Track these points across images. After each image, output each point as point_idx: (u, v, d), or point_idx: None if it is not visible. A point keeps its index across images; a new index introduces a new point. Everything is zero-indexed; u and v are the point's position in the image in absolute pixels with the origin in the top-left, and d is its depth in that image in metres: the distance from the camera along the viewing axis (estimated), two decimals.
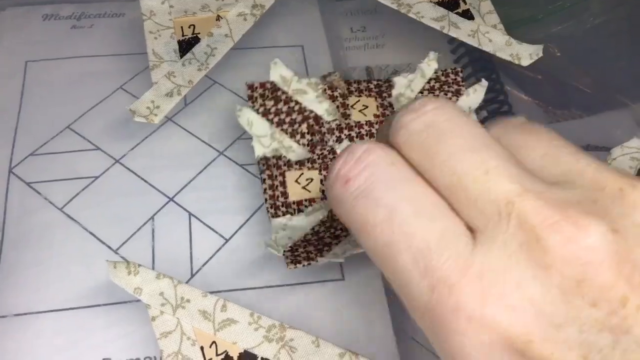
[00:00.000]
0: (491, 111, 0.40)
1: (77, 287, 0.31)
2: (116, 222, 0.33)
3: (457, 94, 0.35)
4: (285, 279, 0.32)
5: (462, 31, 0.37)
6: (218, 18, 0.38)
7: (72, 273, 0.31)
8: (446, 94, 0.35)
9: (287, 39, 0.42)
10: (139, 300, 0.29)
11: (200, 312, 0.29)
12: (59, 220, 0.33)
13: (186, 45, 0.37)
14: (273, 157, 0.32)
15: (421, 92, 0.35)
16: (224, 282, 0.32)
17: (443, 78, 0.36)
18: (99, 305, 0.30)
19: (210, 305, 0.29)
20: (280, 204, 0.31)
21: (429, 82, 0.35)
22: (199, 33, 0.37)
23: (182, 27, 0.38)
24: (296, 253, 0.30)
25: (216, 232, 0.33)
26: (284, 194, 0.31)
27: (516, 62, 0.36)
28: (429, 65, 0.35)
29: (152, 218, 0.34)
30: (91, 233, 0.33)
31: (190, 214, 0.34)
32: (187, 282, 0.31)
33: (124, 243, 0.33)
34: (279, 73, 0.33)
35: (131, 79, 0.39)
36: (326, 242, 0.31)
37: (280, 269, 0.32)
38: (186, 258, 0.32)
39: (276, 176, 0.32)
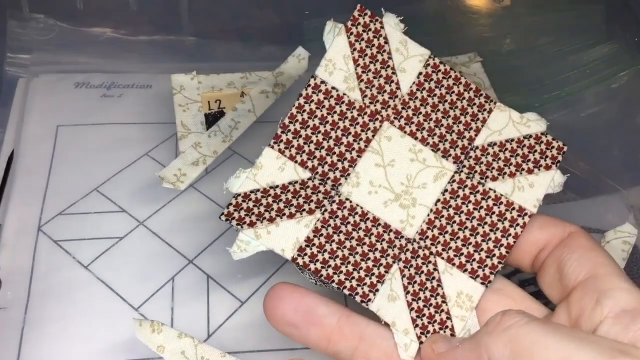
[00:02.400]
0: None
1: (99, 343, 0.32)
2: (138, 281, 0.35)
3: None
4: None
5: None
6: (242, 94, 0.41)
7: (95, 329, 0.33)
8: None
9: None
10: (160, 358, 0.30)
11: None
12: (84, 277, 0.35)
13: (212, 118, 0.39)
14: None
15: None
16: (239, 343, 0.33)
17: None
18: None
19: None
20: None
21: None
22: (224, 107, 0.40)
23: (209, 102, 0.40)
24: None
25: (232, 295, 0.35)
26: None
27: None
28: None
29: (172, 279, 0.35)
30: (114, 291, 0.34)
31: (208, 276, 0.36)
32: (204, 342, 0.32)
33: (145, 302, 0.34)
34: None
35: (156, 147, 0.41)
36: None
37: None
38: (203, 318, 0.34)
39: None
